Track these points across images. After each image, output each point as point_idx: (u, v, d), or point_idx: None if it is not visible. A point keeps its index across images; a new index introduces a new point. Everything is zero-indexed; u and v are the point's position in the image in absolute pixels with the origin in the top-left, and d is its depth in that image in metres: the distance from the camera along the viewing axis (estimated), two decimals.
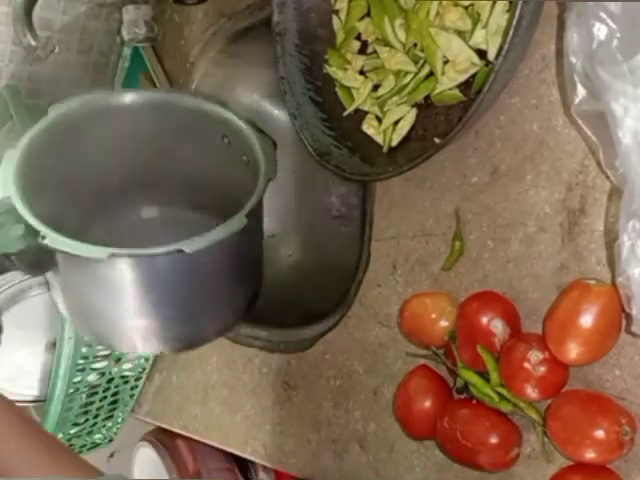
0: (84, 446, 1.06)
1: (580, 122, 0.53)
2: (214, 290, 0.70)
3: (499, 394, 0.60)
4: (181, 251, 0.60)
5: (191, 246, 0.61)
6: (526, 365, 0.56)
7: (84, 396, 0.97)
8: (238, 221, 0.63)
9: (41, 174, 0.70)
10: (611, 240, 0.55)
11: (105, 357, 0.95)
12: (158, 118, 0.75)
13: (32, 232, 0.61)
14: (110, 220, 0.82)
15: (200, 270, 0.66)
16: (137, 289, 0.66)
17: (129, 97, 0.74)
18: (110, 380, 0.99)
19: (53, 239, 0.61)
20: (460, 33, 0.63)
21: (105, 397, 1.01)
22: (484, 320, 0.60)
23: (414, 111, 0.68)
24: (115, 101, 0.74)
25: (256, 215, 0.66)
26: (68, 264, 0.64)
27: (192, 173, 0.79)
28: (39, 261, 0.63)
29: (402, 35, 0.68)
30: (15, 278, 0.92)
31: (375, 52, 0.71)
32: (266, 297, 0.78)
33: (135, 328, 0.70)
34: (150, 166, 0.79)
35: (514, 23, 0.53)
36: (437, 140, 0.65)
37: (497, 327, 0.60)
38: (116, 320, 0.70)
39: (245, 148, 0.70)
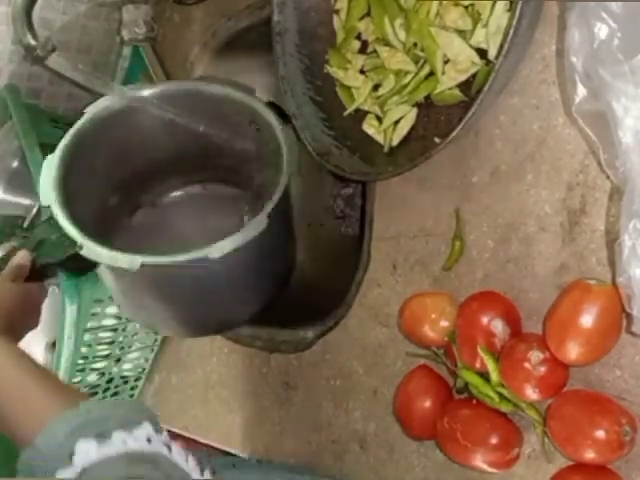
0: None
1: (580, 122, 0.53)
2: (243, 283, 0.74)
3: (499, 394, 0.60)
4: (205, 258, 0.63)
5: (216, 252, 0.63)
6: (526, 365, 0.56)
7: None
8: (259, 223, 0.65)
9: (82, 169, 0.73)
10: (612, 240, 0.55)
11: (105, 357, 0.94)
12: (190, 106, 0.79)
13: (72, 241, 0.65)
14: (156, 199, 0.89)
15: (227, 269, 0.68)
16: (167, 289, 0.71)
17: (160, 88, 0.79)
18: (110, 380, 0.99)
19: (89, 249, 0.64)
20: (460, 32, 0.63)
21: (105, 397, 1.00)
22: (484, 320, 0.60)
23: (414, 111, 0.68)
24: (147, 93, 0.78)
25: (279, 211, 0.68)
26: (107, 267, 0.68)
27: (226, 155, 0.83)
28: (83, 264, 0.67)
29: (402, 35, 0.67)
30: None
31: (375, 52, 0.71)
32: None
33: (166, 318, 0.77)
34: (187, 150, 0.84)
35: (514, 23, 0.53)
36: (437, 140, 0.65)
37: (497, 327, 0.60)
38: (152, 311, 0.76)
39: (271, 139, 0.73)
